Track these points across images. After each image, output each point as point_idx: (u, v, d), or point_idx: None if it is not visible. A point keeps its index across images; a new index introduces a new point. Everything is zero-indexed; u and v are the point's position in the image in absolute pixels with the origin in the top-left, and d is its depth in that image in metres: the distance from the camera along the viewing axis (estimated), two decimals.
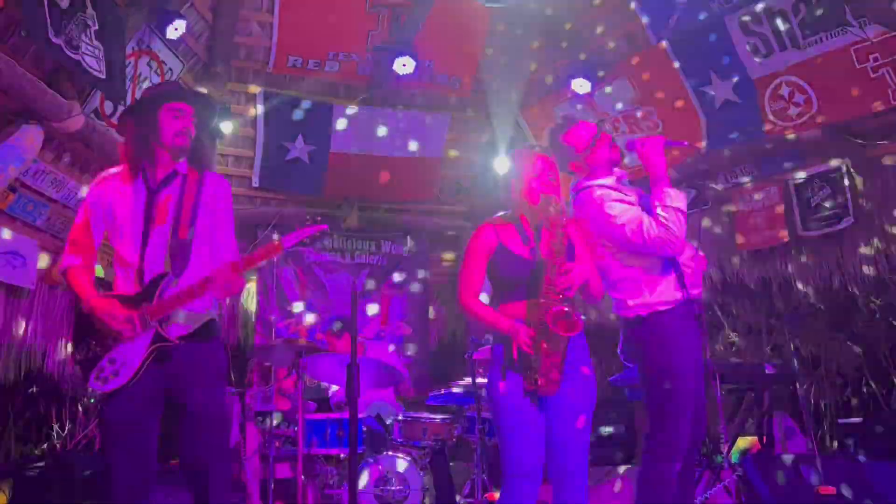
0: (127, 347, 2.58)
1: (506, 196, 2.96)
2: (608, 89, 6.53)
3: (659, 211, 2.89)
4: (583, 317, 2.66)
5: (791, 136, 5.63)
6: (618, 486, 4.49)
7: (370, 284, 7.55)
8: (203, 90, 5.97)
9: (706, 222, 6.12)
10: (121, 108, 5.47)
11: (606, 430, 5.33)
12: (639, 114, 6.51)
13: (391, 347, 6.01)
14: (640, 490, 2.88)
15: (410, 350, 7.50)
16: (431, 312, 7.82)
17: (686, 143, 3.29)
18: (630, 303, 2.97)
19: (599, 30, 6.52)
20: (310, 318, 7.28)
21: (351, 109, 7.16)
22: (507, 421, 2.74)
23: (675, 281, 2.95)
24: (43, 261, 5.47)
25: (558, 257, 2.69)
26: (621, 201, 2.95)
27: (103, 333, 2.61)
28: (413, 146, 7.48)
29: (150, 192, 2.71)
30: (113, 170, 2.80)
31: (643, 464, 2.90)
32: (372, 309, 7.48)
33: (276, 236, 6.10)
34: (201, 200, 2.73)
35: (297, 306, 7.19)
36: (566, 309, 2.62)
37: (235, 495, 4.84)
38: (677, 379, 2.85)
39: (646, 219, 2.88)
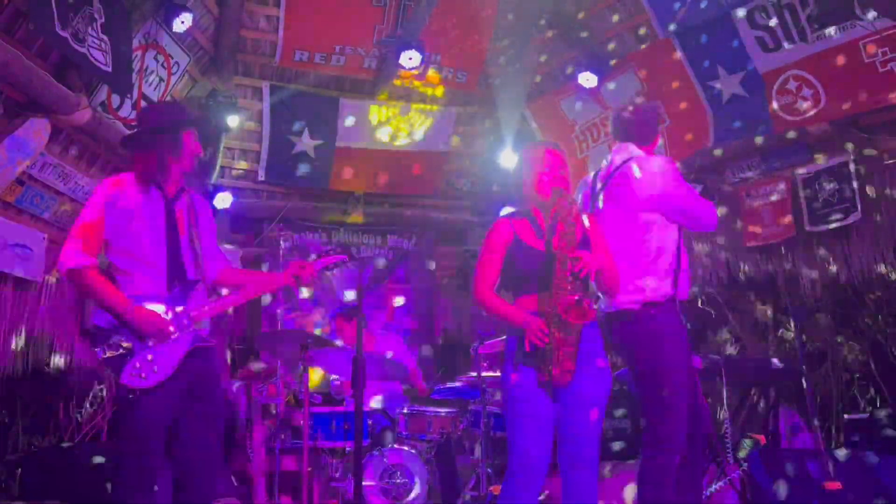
0: (165, 347, 2.68)
1: (517, 191, 2.97)
2: (614, 83, 6.51)
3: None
4: (595, 306, 2.66)
5: (798, 130, 5.60)
6: (619, 479, 4.49)
7: (376, 278, 7.57)
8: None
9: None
10: (127, 102, 5.48)
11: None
12: None
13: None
14: (641, 485, 2.89)
15: (415, 343, 7.51)
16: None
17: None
18: (621, 297, 2.98)
19: (606, 23, 6.50)
20: (316, 314, 7.30)
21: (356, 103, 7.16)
22: (515, 412, 2.75)
23: (670, 279, 2.97)
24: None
25: (570, 247, 2.69)
26: None
27: (137, 334, 2.66)
28: (419, 140, 7.48)
29: (167, 202, 2.86)
30: (123, 175, 2.89)
31: (643, 459, 2.91)
32: (398, 301, 7.57)
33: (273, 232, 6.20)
34: (199, 216, 2.96)
35: (304, 292, 7.22)
36: (577, 297, 2.61)
37: (241, 488, 4.86)
38: (671, 373, 2.88)
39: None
